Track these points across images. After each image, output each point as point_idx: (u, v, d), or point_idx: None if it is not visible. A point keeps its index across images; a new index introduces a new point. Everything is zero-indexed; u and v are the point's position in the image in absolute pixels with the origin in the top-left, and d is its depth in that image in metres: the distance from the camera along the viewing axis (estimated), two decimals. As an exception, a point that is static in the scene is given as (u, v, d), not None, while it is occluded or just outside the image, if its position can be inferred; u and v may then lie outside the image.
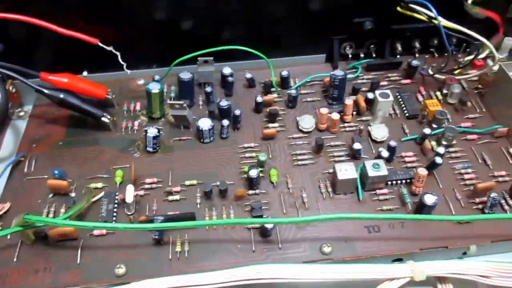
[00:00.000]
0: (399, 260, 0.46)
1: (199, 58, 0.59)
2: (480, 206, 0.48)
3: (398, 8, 0.56)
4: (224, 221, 0.45)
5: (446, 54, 0.60)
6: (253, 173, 0.48)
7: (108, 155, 0.54)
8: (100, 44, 0.52)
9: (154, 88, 0.55)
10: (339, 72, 0.57)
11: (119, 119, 0.58)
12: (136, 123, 0.57)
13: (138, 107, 0.59)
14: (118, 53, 0.52)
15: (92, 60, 0.59)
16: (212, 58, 0.59)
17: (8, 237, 0.46)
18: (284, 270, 0.42)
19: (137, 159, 0.54)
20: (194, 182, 0.51)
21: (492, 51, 0.55)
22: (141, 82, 0.62)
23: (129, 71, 0.54)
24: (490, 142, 0.55)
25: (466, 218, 0.46)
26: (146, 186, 0.51)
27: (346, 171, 0.48)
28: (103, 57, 0.57)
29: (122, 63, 0.53)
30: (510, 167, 0.52)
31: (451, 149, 0.54)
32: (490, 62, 0.64)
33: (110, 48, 0.52)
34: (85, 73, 0.61)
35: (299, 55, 0.66)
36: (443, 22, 0.53)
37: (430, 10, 0.53)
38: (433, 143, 0.54)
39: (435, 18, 0.52)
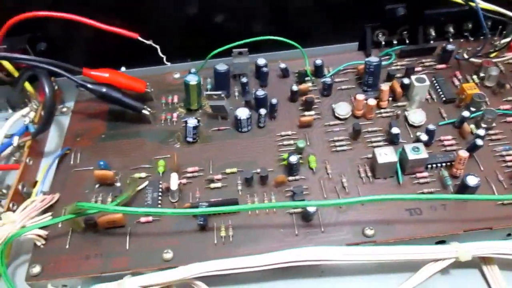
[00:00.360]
0: (442, 242, 0.46)
1: (234, 50, 0.60)
2: (523, 187, 0.48)
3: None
4: (268, 205, 0.46)
5: (482, 37, 0.59)
6: (293, 159, 0.49)
7: (149, 146, 0.56)
8: (140, 39, 0.53)
9: (192, 80, 0.56)
10: (374, 59, 0.57)
11: (158, 112, 0.60)
12: (175, 115, 0.59)
13: (175, 100, 0.61)
14: (157, 47, 0.54)
15: (128, 56, 0.61)
16: (246, 49, 0.60)
17: (60, 225, 0.48)
18: (329, 252, 0.43)
19: (177, 149, 0.55)
20: (235, 170, 0.52)
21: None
22: (177, 75, 0.64)
23: (169, 63, 0.56)
24: (530, 124, 0.54)
25: (510, 197, 0.45)
26: (188, 174, 0.52)
27: (386, 155, 0.49)
28: (139, 52, 0.59)
29: (162, 56, 0.54)
30: (553, 148, 0.52)
31: (490, 132, 0.53)
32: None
33: (150, 42, 0.53)
34: (123, 69, 0.62)
35: (331, 44, 0.66)
36: (481, 3, 0.53)
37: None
38: (472, 126, 0.54)
39: (472, 0, 0.52)
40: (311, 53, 0.64)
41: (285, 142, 0.54)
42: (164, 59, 0.55)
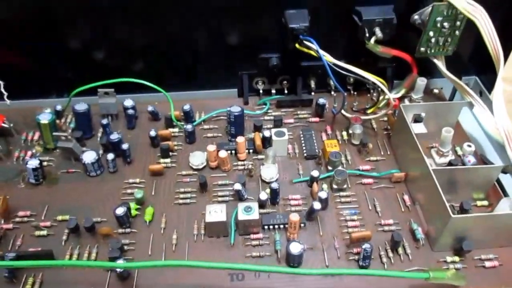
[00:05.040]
0: (264, 312, 0.43)
1: (99, 90, 0.58)
2: (356, 257, 0.45)
3: (296, 45, 0.54)
4: (61, 262, 0.43)
5: (345, 94, 0.57)
6: (120, 211, 0.47)
7: (-9, 185, 0.53)
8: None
9: (43, 118, 0.54)
10: (235, 108, 0.55)
11: (15, 148, 0.57)
12: (29, 153, 0.56)
13: (36, 137, 0.58)
14: (1, 83, 0.52)
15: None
16: (113, 89, 0.59)
17: None
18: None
19: (18, 191, 0.52)
20: (66, 217, 0.49)
21: (386, 92, 0.53)
22: (47, 111, 0.61)
23: (9, 102, 0.54)
24: (386, 187, 0.52)
25: (323, 272, 0.42)
26: (17, 219, 0.49)
27: (216, 212, 0.46)
28: (13, 85, 0.58)
29: (4, 93, 0.52)
30: (400, 215, 0.49)
31: (342, 193, 0.51)
32: (406, 101, 0.61)
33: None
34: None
35: (217, 89, 0.65)
36: (328, 58, 0.51)
37: (315, 46, 0.51)
38: (324, 186, 0.51)
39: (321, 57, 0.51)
40: (193, 96, 0.63)
41: (129, 191, 0.52)
42: (6, 96, 0.53)
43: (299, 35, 0.53)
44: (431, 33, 0.54)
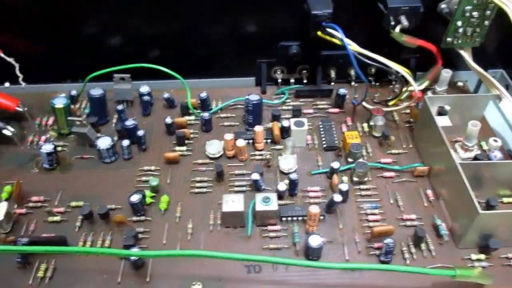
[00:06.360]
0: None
1: (114, 75, 0.57)
2: (377, 252, 0.43)
3: (319, 33, 0.52)
4: (75, 249, 0.42)
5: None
6: (134, 198, 0.45)
7: (4, 169, 0.52)
8: (1, 55, 0.50)
9: (58, 103, 0.53)
10: (254, 97, 0.54)
11: (29, 132, 0.56)
12: (43, 138, 0.55)
13: (50, 122, 0.57)
14: (17, 65, 0.51)
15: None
16: (129, 75, 0.57)
17: None
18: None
19: (32, 175, 0.51)
20: (80, 203, 0.48)
21: (411, 83, 0.51)
22: (62, 96, 0.60)
23: (24, 84, 0.53)
24: (408, 181, 0.50)
25: (344, 266, 0.41)
26: (31, 204, 0.48)
27: (233, 202, 0.45)
28: (29, 70, 0.57)
29: (19, 75, 0.51)
30: (422, 210, 0.47)
31: (363, 186, 0.49)
32: (429, 93, 0.59)
33: (10, 60, 0.50)
34: (7, 84, 0.59)
35: (234, 77, 0.63)
36: (353, 46, 0.49)
37: (340, 34, 0.49)
38: (345, 178, 0.50)
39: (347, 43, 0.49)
40: (208, 85, 0.61)
41: (144, 178, 0.51)
42: (21, 78, 0.52)
43: (322, 22, 0.51)
44: (459, 23, 0.52)
